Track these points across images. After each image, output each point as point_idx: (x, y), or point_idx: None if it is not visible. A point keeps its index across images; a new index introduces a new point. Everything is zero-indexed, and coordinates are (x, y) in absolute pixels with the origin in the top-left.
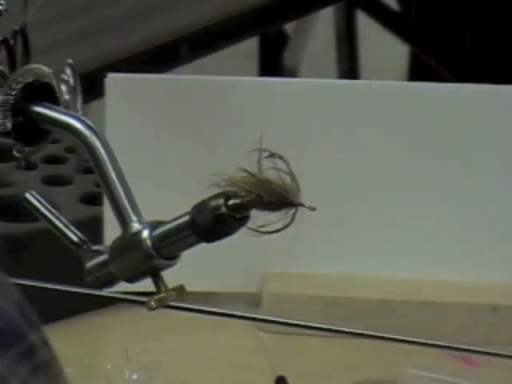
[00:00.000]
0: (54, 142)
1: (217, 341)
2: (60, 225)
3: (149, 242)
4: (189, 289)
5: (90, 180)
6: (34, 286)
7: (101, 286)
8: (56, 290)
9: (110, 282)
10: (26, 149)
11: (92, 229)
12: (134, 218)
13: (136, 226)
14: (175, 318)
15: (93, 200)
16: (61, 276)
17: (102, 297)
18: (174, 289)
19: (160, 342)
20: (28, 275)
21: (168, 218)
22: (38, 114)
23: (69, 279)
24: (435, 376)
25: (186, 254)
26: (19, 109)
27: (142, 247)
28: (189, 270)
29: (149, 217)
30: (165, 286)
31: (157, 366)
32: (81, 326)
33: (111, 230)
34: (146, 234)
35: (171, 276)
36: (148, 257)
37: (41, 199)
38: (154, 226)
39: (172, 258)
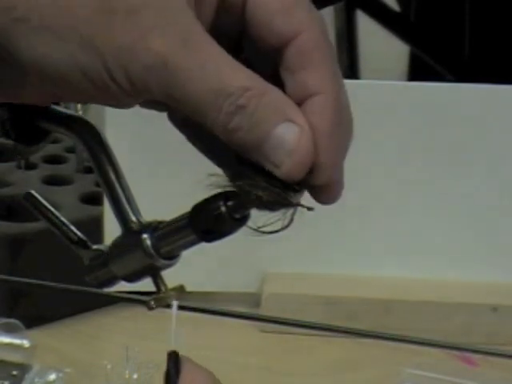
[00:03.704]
0: (54, 142)
1: (217, 341)
2: (60, 224)
3: (149, 242)
4: (189, 289)
5: (89, 180)
6: (34, 286)
7: (101, 286)
8: (56, 289)
9: (110, 281)
10: (26, 149)
11: (92, 229)
12: (134, 218)
13: (136, 225)
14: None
15: (93, 200)
16: (61, 276)
17: (102, 296)
18: (173, 289)
19: (160, 342)
20: (28, 275)
21: (168, 218)
22: (38, 113)
23: (69, 279)
24: (435, 376)
25: (186, 254)
26: (19, 109)
27: (141, 247)
28: (189, 270)
29: (149, 217)
30: (165, 285)
31: (157, 366)
32: (81, 326)
33: (111, 230)
34: (146, 233)
35: (171, 276)
36: (148, 256)
37: (41, 199)
38: (154, 225)
39: (172, 257)
